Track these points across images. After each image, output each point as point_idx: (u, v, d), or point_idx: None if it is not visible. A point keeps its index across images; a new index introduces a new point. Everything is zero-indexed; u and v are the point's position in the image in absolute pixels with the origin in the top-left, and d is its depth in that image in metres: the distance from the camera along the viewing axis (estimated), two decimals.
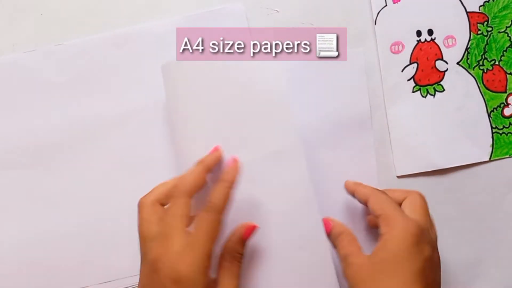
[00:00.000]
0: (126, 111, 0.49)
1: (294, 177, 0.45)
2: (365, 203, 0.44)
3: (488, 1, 0.51)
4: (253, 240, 0.44)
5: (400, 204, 0.44)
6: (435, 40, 0.52)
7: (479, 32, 0.51)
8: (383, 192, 0.44)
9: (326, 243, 0.45)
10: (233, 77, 0.46)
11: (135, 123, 0.49)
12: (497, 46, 0.52)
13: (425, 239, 0.40)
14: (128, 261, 0.48)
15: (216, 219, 0.39)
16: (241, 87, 0.46)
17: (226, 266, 0.42)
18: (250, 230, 0.43)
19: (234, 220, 0.44)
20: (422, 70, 0.52)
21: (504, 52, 0.52)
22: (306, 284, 0.46)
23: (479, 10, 0.51)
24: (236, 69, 0.46)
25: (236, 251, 0.42)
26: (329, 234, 0.45)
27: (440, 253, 0.51)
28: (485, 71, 0.52)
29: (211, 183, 0.43)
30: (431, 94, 0.52)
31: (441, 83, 0.52)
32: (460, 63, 0.52)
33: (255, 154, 0.45)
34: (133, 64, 0.49)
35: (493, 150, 0.52)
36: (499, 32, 0.52)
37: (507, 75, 0.52)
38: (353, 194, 0.47)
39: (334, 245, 0.45)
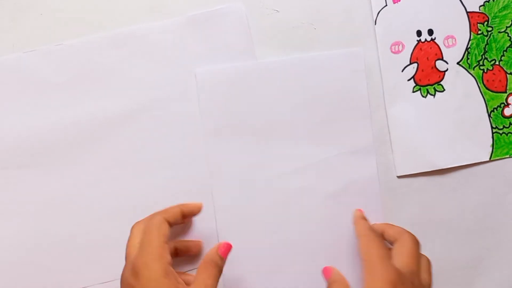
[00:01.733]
0: (126, 111, 0.49)
1: (365, 175, 0.50)
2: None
3: (488, 1, 0.51)
4: (323, 227, 0.50)
5: (392, 243, 0.45)
6: (435, 40, 0.52)
7: (479, 32, 0.51)
8: (374, 233, 0.44)
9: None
10: (302, 73, 0.49)
11: (135, 124, 0.49)
12: (497, 46, 0.52)
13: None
14: None
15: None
16: (312, 83, 0.50)
17: (206, 266, 0.42)
18: (224, 248, 0.45)
19: (304, 212, 0.49)
20: (422, 70, 0.52)
21: (504, 52, 0.52)
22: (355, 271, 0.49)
23: (479, 10, 0.51)
24: (304, 65, 0.49)
25: (215, 259, 0.43)
26: (327, 281, 0.46)
27: (440, 253, 0.51)
28: (485, 71, 0.52)
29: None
30: (431, 94, 0.52)
31: (441, 83, 0.52)
32: (460, 63, 0.52)
33: (330, 153, 0.50)
34: (133, 64, 0.49)
35: (493, 150, 0.52)
36: (499, 32, 0.52)
37: (507, 75, 0.52)
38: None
39: None
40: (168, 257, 0.41)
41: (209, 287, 0.41)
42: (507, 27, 0.51)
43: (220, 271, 0.43)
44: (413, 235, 0.44)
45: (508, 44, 0.52)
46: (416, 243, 0.44)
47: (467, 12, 0.51)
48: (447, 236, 0.51)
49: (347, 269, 0.49)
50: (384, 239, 0.46)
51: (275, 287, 0.49)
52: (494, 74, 0.52)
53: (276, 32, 0.50)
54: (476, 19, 0.51)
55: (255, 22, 0.50)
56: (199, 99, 0.49)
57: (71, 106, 0.49)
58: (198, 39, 0.49)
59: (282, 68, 0.49)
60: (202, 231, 0.49)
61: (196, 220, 0.49)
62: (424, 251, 0.51)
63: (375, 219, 0.50)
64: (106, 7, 0.49)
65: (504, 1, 0.51)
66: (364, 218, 0.47)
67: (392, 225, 0.47)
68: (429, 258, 0.45)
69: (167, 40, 0.49)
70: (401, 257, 0.42)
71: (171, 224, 0.44)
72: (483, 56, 0.52)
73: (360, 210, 0.49)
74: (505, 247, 0.52)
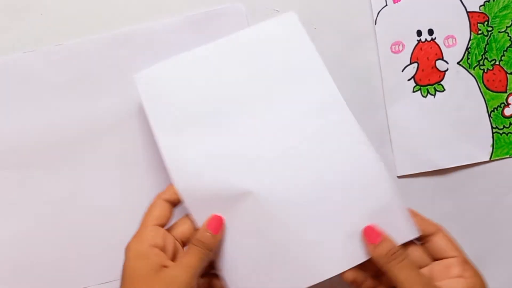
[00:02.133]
0: (126, 111, 0.49)
1: (344, 127, 0.44)
2: (429, 234, 0.41)
3: (488, 1, 0.51)
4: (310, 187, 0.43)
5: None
6: (435, 40, 0.52)
7: (479, 32, 0.51)
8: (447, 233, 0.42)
9: (388, 184, 0.43)
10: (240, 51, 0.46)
11: (135, 123, 0.49)
12: (498, 46, 0.52)
13: None
14: None
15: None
16: (254, 56, 0.46)
17: (190, 246, 0.41)
18: (215, 222, 0.42)
19: (285, 178, 0.43)
20: (423, 70, 0.52)
21: (505, 52, 0.52)
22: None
23: (480, 10, 0.51)
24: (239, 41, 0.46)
25: (202, 237, 0.41)
26: (375, 247, 0.40)
27: None
28: (485, 71, 0.52)
29: None
30: (431, 94, 0.52)
31: (442, 83, 0.52)
32: (460, 63, 0.52)
33: (298, 115, 0.45)
34: (132, 64, 0.49)
35: (494, 150, 0.52)
36: (499, 32, 0.51)
37: (508, 75, 0.52)
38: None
39: (384, 268, 0.39)
40: (153, 239, 0.40)
41: (189, 269, 0.39)
42: (507, 27, 0.51)
43: (208, 249, 0.40)
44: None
45: (508, 44, 0.52)
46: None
47: (467, 12, 0.51)
48: None
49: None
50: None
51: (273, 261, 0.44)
52: (494, 74, 0.52)
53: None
54: (476, 19, 0.51)
55: (255, 22, 0.50)
56: (144, 104, 0.45)
57: (70, 106, 0.49)
58: (198, 39, 0.49)
59: (219, 50, 0.46)
60: None
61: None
62: None
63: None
64: (106, 7, 0.49)
65: (504, 1, 0.51)
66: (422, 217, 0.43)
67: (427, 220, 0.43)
68: None
69: (167, 40, 0.49)
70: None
71: (174, 203, 0.43)
72: (483, 56, 0.52)
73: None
74: (505, 247, 0.52)
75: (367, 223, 0.42)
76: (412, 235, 0.42)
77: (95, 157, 0.49)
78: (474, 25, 0.51)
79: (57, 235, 0.49)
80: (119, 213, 0.49)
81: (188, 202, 0.43)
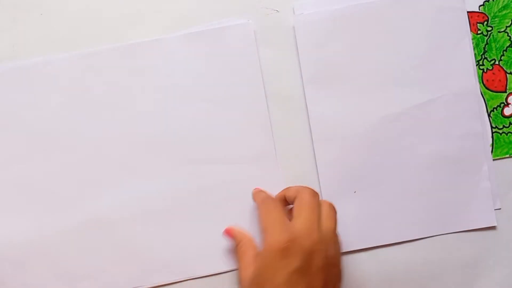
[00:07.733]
0: (128, 119, 0.49)
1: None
2: (293, 199, 0.45)
3: (488, 1, 0.51)
4: None
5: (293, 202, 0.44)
6: None
7: (479, 32, 0.51)
8: (271, 199, 0.46)
9: None
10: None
11: (139, 132, 0.49)
12: (497, 45, 0.52)
13: (295, 249, 0.39)
14: (133, 269, 0.48)
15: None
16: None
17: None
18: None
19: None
20: None
21: (504, 52, 0.52)
22: None
23: (479, 9, 0.51)
24: None
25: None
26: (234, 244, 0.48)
27: (440, 253, 0.51)
28: (485, 70, 0.52)
29: None
30: None
31: None
32: None
33: (432, 94, 0.50)
34: (139, 77, 0.49)
35: (493, 149, 0.52)
36: (499, 32, 0.52)
37: (507, 74, 0.52)
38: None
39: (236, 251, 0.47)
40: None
41: None
42: (507, 26, 0.51)
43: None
44: (310, 188, 0.44)
45: (507, 44, 0.52)
46: (313, 195, 0.43)
47: (466, 12, 0.51)
48: (447, 236, 0.51)
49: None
50: (287, 203, 0.47)
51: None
52: (494, 73, 0.52)
53: (276, 32, 0.50)
54: (475, 19, 0.51)
55: (255, 22, 0.50)
56: None
57: (71, 115, 0.49)
58: (205, 54, 0.49)
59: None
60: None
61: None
62: (424, 251, 0.51)
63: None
64: (108, 8, 0.49)
65: (503, 1, 0.51)
66: (262, 191, 0.48)
67: (290, 186, 0.47)
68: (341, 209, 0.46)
69: (173, 54, 0.48)
70: (300, 212, 0.42)
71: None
72: (483, 56, 0.52)
73: (257, 188, 0.49)
74: (505, 247, 0.52)
75: None
76: None
77: (95, 158, 0.49)
78: (473, 25, 0.51)
79: (57, 236, 0.49)
80: (118, 215, 0.49)
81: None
